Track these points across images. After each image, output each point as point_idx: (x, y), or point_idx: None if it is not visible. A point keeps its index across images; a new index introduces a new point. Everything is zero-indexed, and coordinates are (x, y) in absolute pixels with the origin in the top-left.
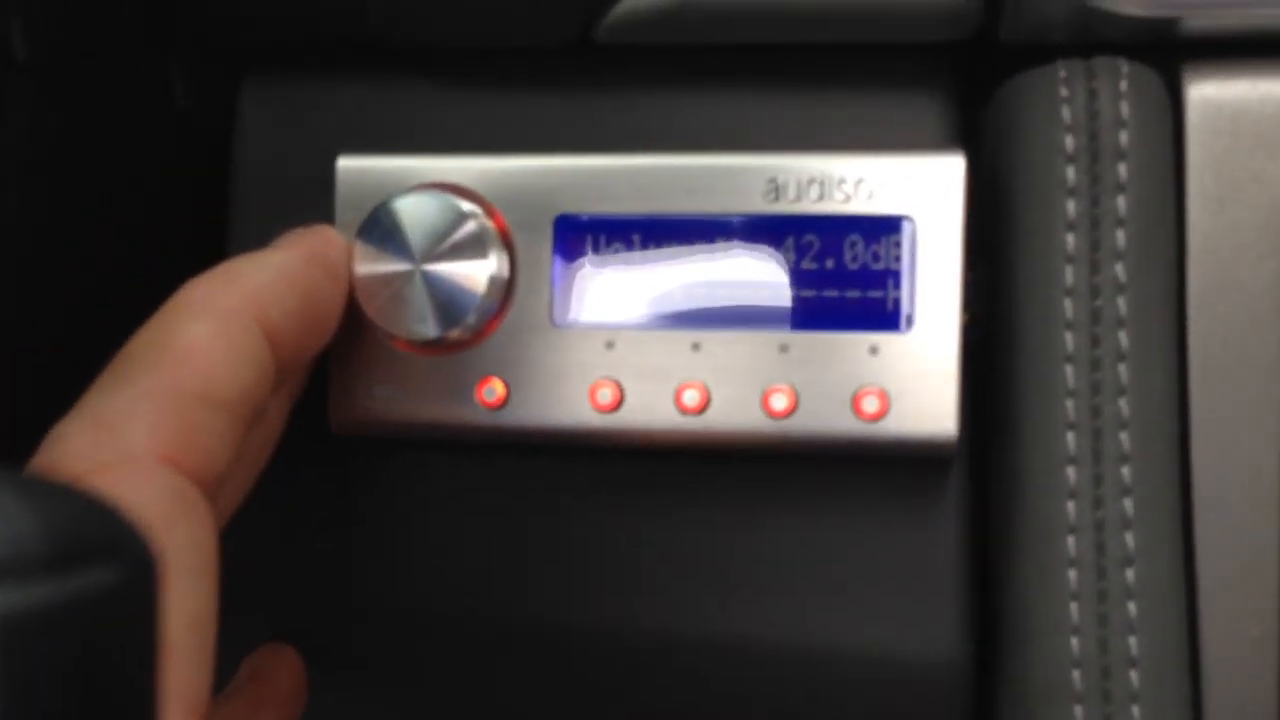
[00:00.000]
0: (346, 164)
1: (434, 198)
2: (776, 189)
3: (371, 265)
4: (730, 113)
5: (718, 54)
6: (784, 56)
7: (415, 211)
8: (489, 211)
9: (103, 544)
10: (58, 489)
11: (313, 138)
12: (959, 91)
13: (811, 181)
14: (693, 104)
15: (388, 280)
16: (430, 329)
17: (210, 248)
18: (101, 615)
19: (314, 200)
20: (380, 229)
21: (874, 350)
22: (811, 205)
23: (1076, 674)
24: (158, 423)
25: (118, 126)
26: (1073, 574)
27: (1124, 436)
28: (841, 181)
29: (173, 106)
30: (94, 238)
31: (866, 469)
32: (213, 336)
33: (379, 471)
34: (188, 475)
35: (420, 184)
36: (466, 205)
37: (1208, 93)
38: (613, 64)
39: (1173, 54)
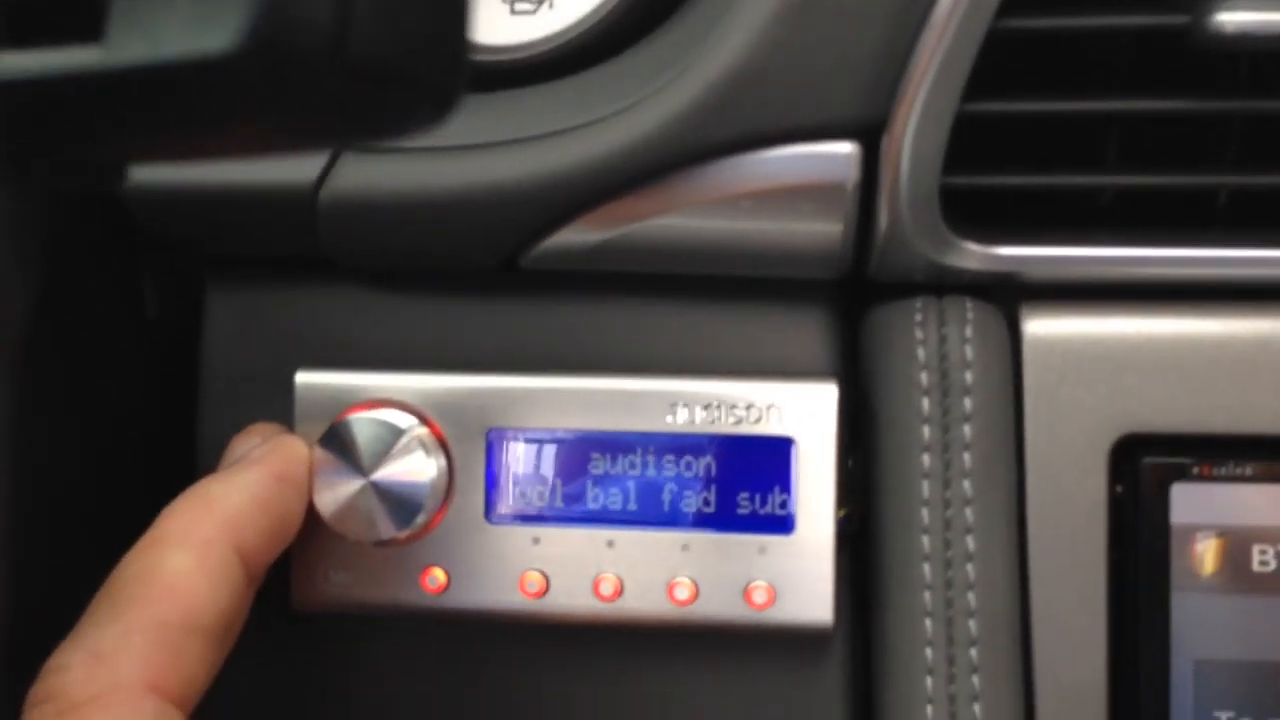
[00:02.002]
0: (304, 379)
1: (377, 419)
2: (679, 410)
3: (328, 478)
4: (637, 330)
5: (630, 279)
6: (687, 284)
7: (363, 430)
8: (428, 424)
9: None
10: None
11: (271, 340)
12: (839, 311)
13: (708, 405)
14: (605, 321)
15: (342, 492)
16: (380, 533)
17: (181, 437)
18: None
19: (273, 395)
20: (335, 444)
21: (762, 550)
22: (708, 426)
23: None
24: (146, 655)
25: (100, 334)
26: None
27: (972, 623)
28: (734, 406)
29: (144, 314)
30: (83, 440)
31: (760, 643)
32: (193, 569)
33: (333, 644)
34: (172, 699)
35: (366, 400)
36: (406, 421)
37: (1041, 330)
38: (535, 285)
39: (1014, 294)
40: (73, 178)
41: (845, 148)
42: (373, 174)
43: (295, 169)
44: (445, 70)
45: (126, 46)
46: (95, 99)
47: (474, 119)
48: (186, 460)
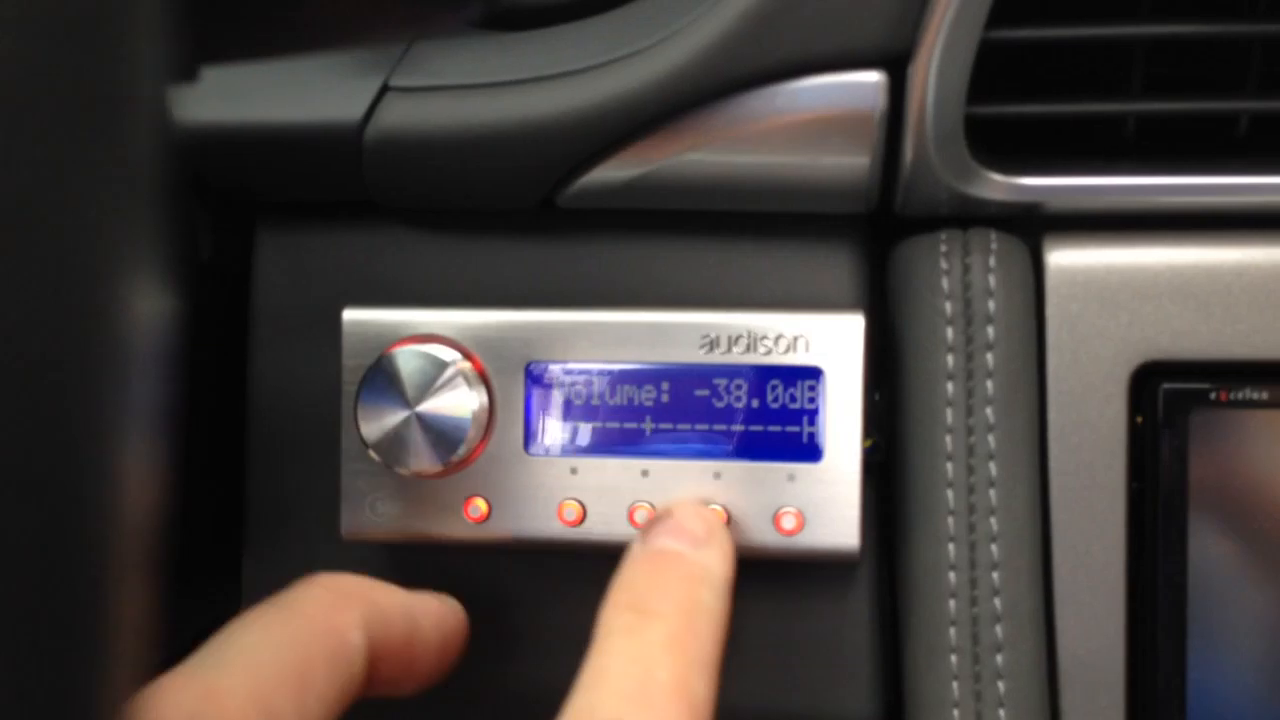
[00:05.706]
0: (351, 316)
1: (422, 353)
2: (710, 342)
3: (375, 411)
4: (670, 266)
5: (663, 217)
6: (719, 221)
7: (408, 363)
8: (470, 359)
9: None
10: None
11: (320, 280)
12: (868, 247)
13: (739, 336)
14: (639, 258)
15: (388, 423)
16: (424, 463)
17: (232, 374)
18: None
19: (322, 332)
20: (380, 378)
21: (791, 477)
22: (739, 356)
23: None
24: None
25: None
26: (954, 659)
27: (994, 548)
28: (763, 337)
29: (198, 258)
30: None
31: (790, 568)
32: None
33: (382, 571)
34: None
35: (411, 335)
36: (449, 355)
37: (1063, 260)
38: (572, 224)
39: (1037, 225)
40: None
41: (872, 77)
42: (414, 111)
43: (340, 108)
44: None
45: None
46: None
47: (511, 56)
48: (238, 396)
